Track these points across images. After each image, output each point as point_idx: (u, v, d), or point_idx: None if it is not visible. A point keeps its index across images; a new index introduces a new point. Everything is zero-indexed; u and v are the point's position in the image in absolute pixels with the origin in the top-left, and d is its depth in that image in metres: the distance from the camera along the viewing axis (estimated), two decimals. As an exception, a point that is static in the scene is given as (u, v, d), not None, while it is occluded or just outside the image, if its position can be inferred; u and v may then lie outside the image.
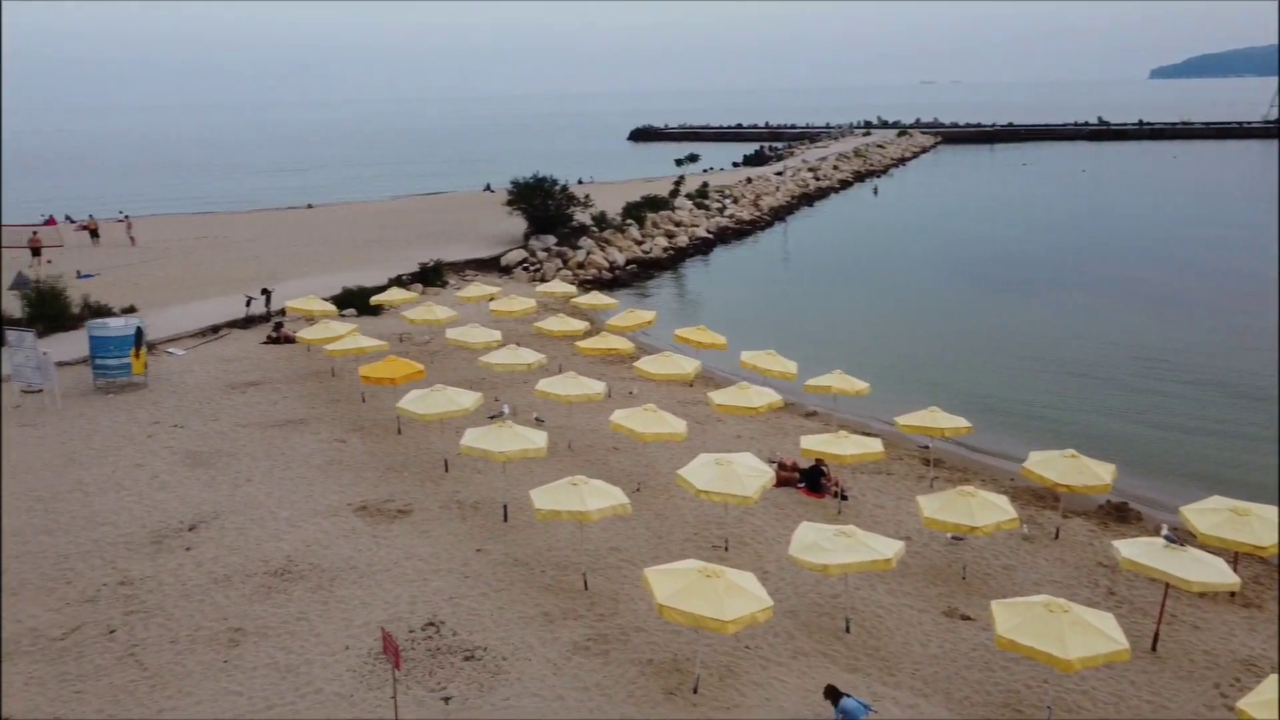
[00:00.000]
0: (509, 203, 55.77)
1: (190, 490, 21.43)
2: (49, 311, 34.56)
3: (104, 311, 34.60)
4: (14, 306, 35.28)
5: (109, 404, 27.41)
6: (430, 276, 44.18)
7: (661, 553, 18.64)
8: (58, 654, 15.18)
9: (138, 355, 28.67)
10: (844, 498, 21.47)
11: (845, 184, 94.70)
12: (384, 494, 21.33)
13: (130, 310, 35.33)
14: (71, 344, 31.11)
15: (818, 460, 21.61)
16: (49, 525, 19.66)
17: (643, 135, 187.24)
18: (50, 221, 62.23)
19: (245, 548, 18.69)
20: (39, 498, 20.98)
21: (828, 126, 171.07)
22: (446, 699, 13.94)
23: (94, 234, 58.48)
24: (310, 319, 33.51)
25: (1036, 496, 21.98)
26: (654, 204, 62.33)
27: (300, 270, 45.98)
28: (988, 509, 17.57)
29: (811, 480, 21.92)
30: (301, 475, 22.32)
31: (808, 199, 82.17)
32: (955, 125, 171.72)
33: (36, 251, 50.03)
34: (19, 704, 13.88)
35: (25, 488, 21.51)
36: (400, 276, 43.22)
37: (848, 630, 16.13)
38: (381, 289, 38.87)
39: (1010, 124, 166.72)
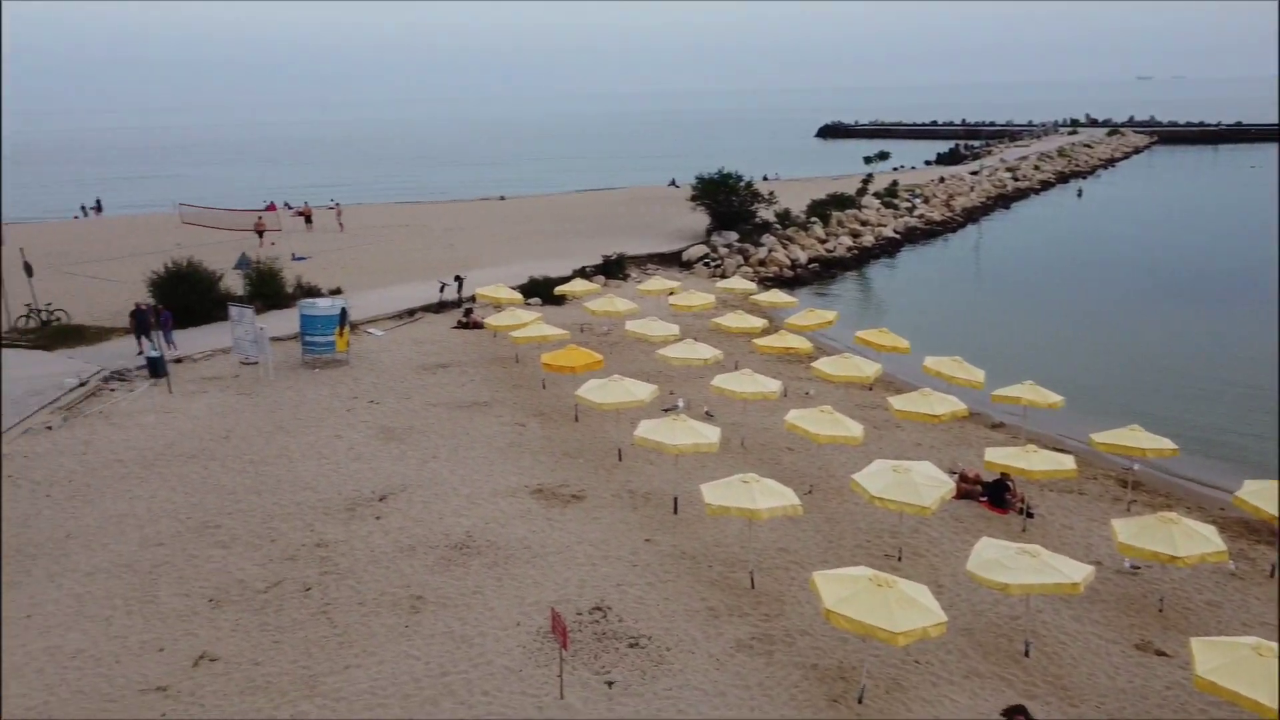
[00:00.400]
0: (693, 198, 56.09)
1: (382, 463, 22.72)
2: (266, 290, 37.48)
3: (314, 292, 37.31)
4: (237, 284, 38.47)
5: (314, 378, 29.45)
6: (612, 269, 45.03)
7: (831, 557, 18.28)
8: (260, 605, 16.45)
9: (342, 334, 30.66)
10: (1029, 515, 20.38)
11: (1046, 185, 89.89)
12: (559, 479, 21.92)
13: (337, 292, 37.87)
14: (285, 321, 33.58)
15: (1003, 474, 20.60)
16: (258, 486, 21.33)
17: (832, 132, 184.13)
18: (271, 207, 67.54)
19: (429, 521, 19.65)
20: (251, 460, 22.80)
21: (1030, 124, 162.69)
22: (610, 683, 14.20)
23: (308, 219, 63.00)
24: (498, 306, 34.84)
25: (1249, 529, 20.15)
26: (840, 202, 61.15)
27: (490, 259, 47.90)
28: (1192, 539, 16.22)
29: (995, 494, 20.93)
30: (483, 455, 23.25)
31: (1004, 200, 78.48)
32: (1174, 124, 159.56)
33: (260, 234, 54.61)
34: (226, 647, 15.14)
35: (239, 451, 23.43)
36: (584, 268, 44.32)
37: (1027, 654, 15.30)
38: (566, 280, 39.94)
39: (1239, 123, 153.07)
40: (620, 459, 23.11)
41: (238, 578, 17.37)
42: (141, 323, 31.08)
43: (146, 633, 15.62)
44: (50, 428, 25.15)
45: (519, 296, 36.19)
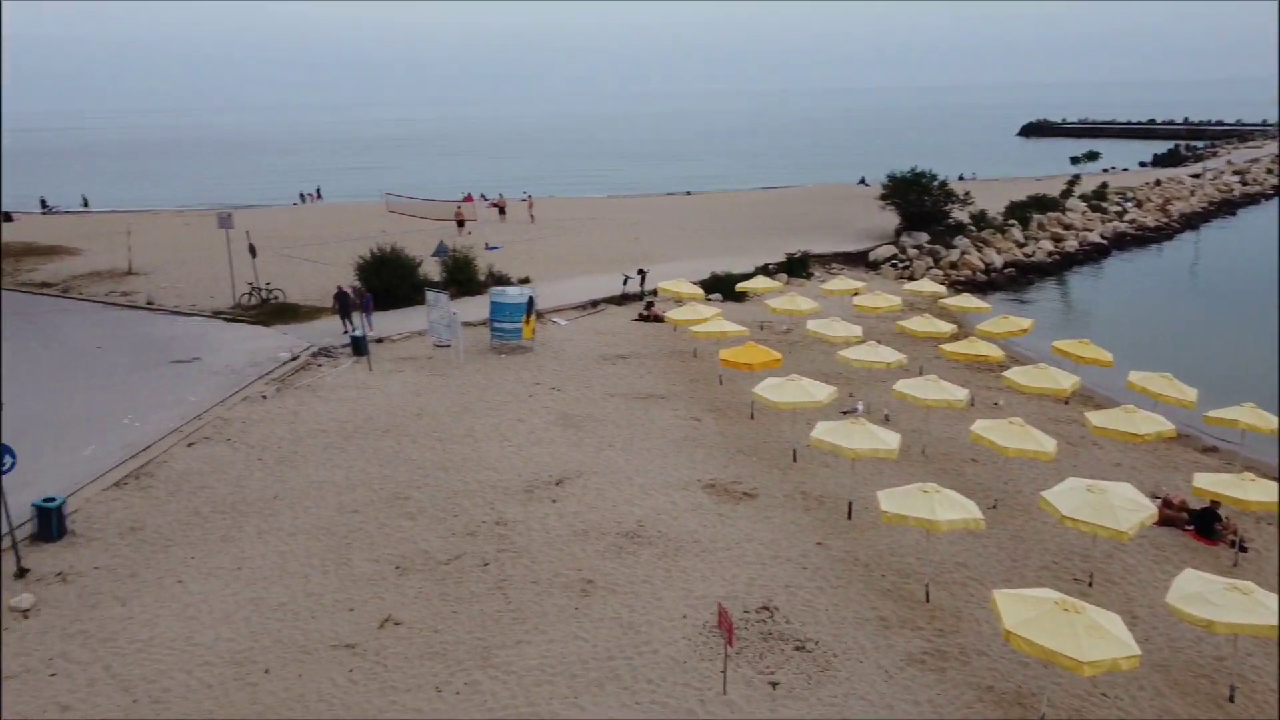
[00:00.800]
0: (882, 197, 54.60)
1: (560, 448, 23.36)
2: (461, 277, 39.29)
3: (504, 280, 38.80)
4: (434, 270, 40.48)
5: (501, 363, 30.62)
6: (796, 267, 44.48)
7: (1014, 576, 17.38)
8: (442, 576, 17.26)
9: (528, 322, 31.72)
10: (1243, 549, 18.67)
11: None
12: (732, 475, 21.86)
13: (525, 281, 39.23)
14: (476, 307, 35.05)
15: (1213, 502, 18.97)
16: (445, 463, 22.39)
17: (1035, 130, 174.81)
18: (468, 199, 70.65)
19: (602, 507, 20.05)
20: (439, 438, 23.95)
21: (1264, 124, 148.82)
22: (774, 684, 14.05)
23: (501, 210, 65.60)
24: (679, 300, 35.10)
25: None
26: (1042, 204, 57.97)
27: (673, 254, 48.33)
28: None
29: (1203, 523, 19.31)
30: (658, 447, 23.49)
31: (1229, 206, 72.16)
32: None
33: (460, 224, 57.42)
34: (409, 612, 15.99)
35: (429, 429, 24.66)
36: (767, 265, 43.99)
37: (1231, 699, 14.04)
38: (747, 277, 39.77)
39: None
40: (795, 459, 22.81)
41: (422, 548, 18.29)
42: (344, 304, 33.51)
43: (340, 593, 16.70)
44: (265, 397, 27.29)
45: (700, 292, 36.33)
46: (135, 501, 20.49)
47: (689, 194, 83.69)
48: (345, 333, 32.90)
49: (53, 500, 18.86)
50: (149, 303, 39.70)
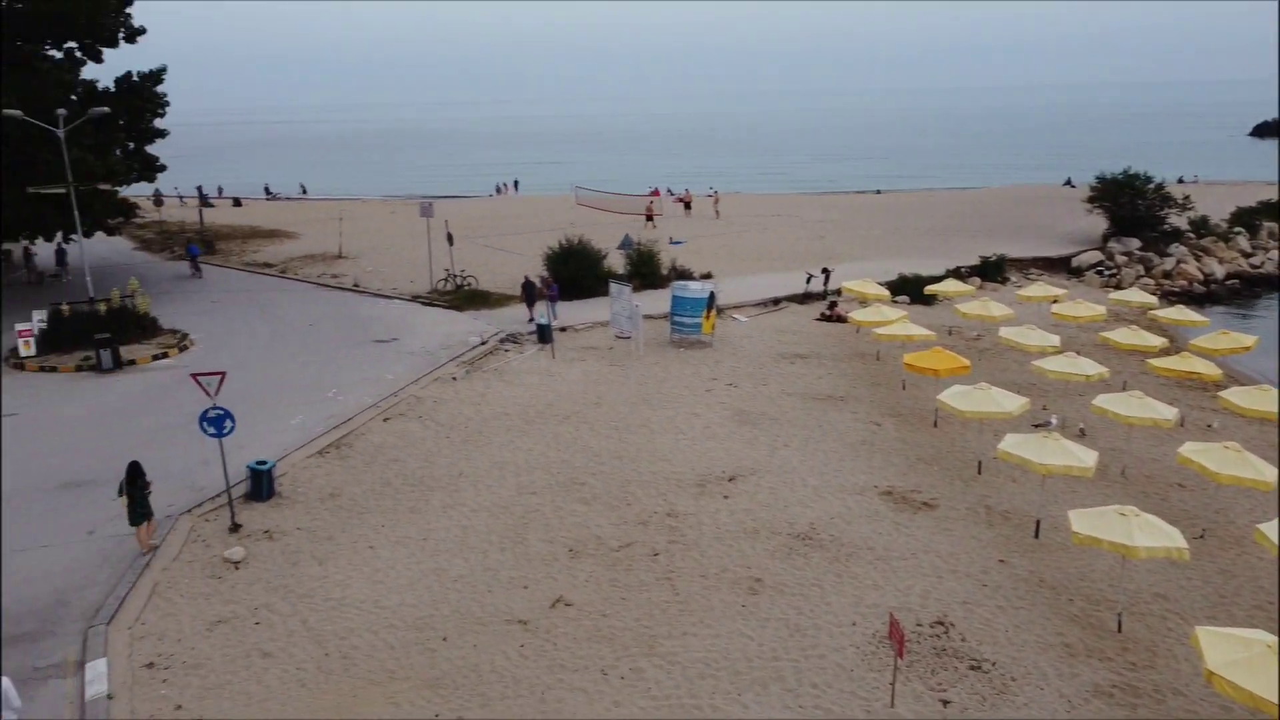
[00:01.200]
0: (1090, 199, 51.37)
1: (734, 445, 23.29)
2: (644, 270, 39.82)
3: (686, 275, 39.06)
4: (619, 262, 41.22)
5: (679, 356, 30.84)
6: (990, 271, 42.55)
7: (1220, 614, 15.99)
8: (613, 562, 17.58)
9: (708, 317, 31.79)
10: None
11: None
12: (911, 483, 21.16)
13: (707, 276, 39.33)
14: (657, 300, 35.43)
15: None
16: (620, 452, 22.78)
17: (1272, 130, 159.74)
18: (655, 193, 71.57)
19: (774, 506, 19.85)
20: (616, 427, 24.39)
21: None
22: (945, 702, 13.51)
23: (687, 206, 66.02)
24: (863, 301, 34.27)
25: None
26: (1274, 210, 52.95)
27: (860, 253, 47.24)
28: None
29: None
30: (834, 449, 23.03)
31: None
32: None
33: (650, 218, 58.39)
34: (580, 595, 16.38)
35: (607, 417, 25.15)
36: (959, 268, 42.31)
37: None
38: (937, 279, 38.35)
39: None
40: (979, 471, 21.82)
41: (595, 533, 18.69)
42: (529, 293, 34.70)
43: (515, 570, 17.30)
44: (455, 379, 28.61)
45: (886, 293, 35.33)
46: (335, 470, 21.95)
47: (879, 192, 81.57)
48: (529, 321, 34.07)
49: (264, 464, 20.48)
50: (355, 285, 42.41)
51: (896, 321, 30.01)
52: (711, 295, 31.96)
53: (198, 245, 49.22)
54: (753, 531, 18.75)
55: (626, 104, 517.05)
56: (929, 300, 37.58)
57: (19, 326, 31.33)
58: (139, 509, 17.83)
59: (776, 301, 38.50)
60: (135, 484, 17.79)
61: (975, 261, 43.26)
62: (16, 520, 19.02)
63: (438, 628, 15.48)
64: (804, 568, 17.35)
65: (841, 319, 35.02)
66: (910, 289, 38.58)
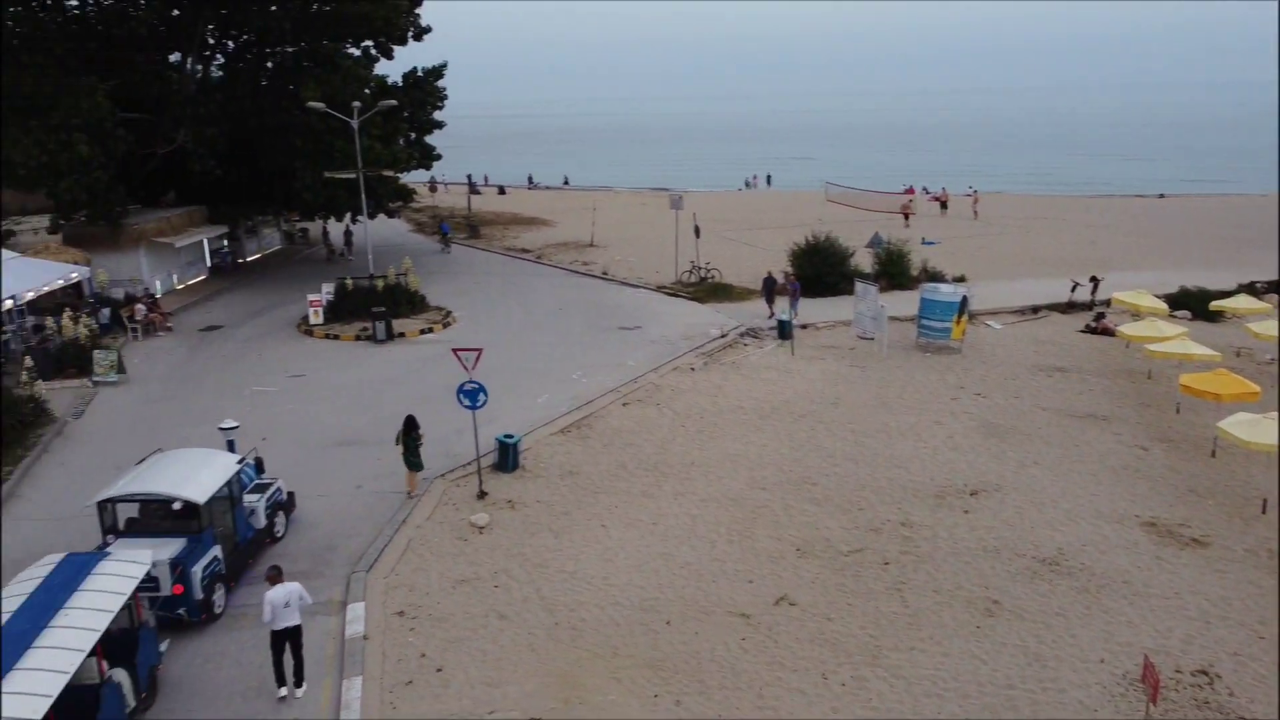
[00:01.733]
0: None
1: (978, 458, 22.11)
2: (892, 270, 38.61)
3: (937, 277, 37.49)
4: (866, 261, 40.20)
5: (924, 361, 29.65)
6: (1292, 288, 37.90)
7: None
8: (841, 566, 17.18)
9: (959, 322, 30.34)
10: None
11: None
12: (1179, 516, 19.23)
13: (960, 279, 37.52)
14: (904, 302, 34.22)
15: None
16: (855, 455, 22.22)
17: None
18: (910, 191, 69.20)
19: (1019, 526, 18.67)
20: (853, 430, 23.81)
21: None
22: (1205, 762, 12.19)
23: (943, 205, 63.37)
24: (1136, 314, 31.55)
25: None
26: None
27: (1135, 262, 43.54)
28: None
29: None
30: (1091, 472, 21.33)
31: None
32: None
33: (906, 217, 56.68)
34: (804, 596, 16.14)
35: (844, 419, 24.60)
36: (1253, 284, 37.97)
37: None
38: (1227, 294, 34.59)
39: None
40: (1264, 510, 19.48)
41: (824, 535, 18.34)
42: (769, 289, 34.56)
43: (741, 564, 17.30)
44: (693, 369, 28.99)
45: (1163, 306, 32.26)
46: (575, 449, 22.85)
47: (1162, 196, 74.70)
48: (769, 316, 33.94)
49: (511, 437, 21.65)
50: (604, 273, 43.94)
51: (1174, 338, 27.34)
52: (964, 299, 30.46)
53: (449, 224, 54.48)
54: (993, 550, 17.72)
55: (872, 99, 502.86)
56: (1213, 317, 33.97)
57: (311, 297, 34.89)
58: (412, 457, 19.92)
59: (1036, 309, 36.14)
60: (410, 434, 19.91)
61: (1275, 277, 38.65)
62: (302, 472, 21.19)
63: (662, 611, 15.76)
64: (1048, 594, 16.20)
65: (1109, 332, 32.35)
66: (1192, 303, 35.08)
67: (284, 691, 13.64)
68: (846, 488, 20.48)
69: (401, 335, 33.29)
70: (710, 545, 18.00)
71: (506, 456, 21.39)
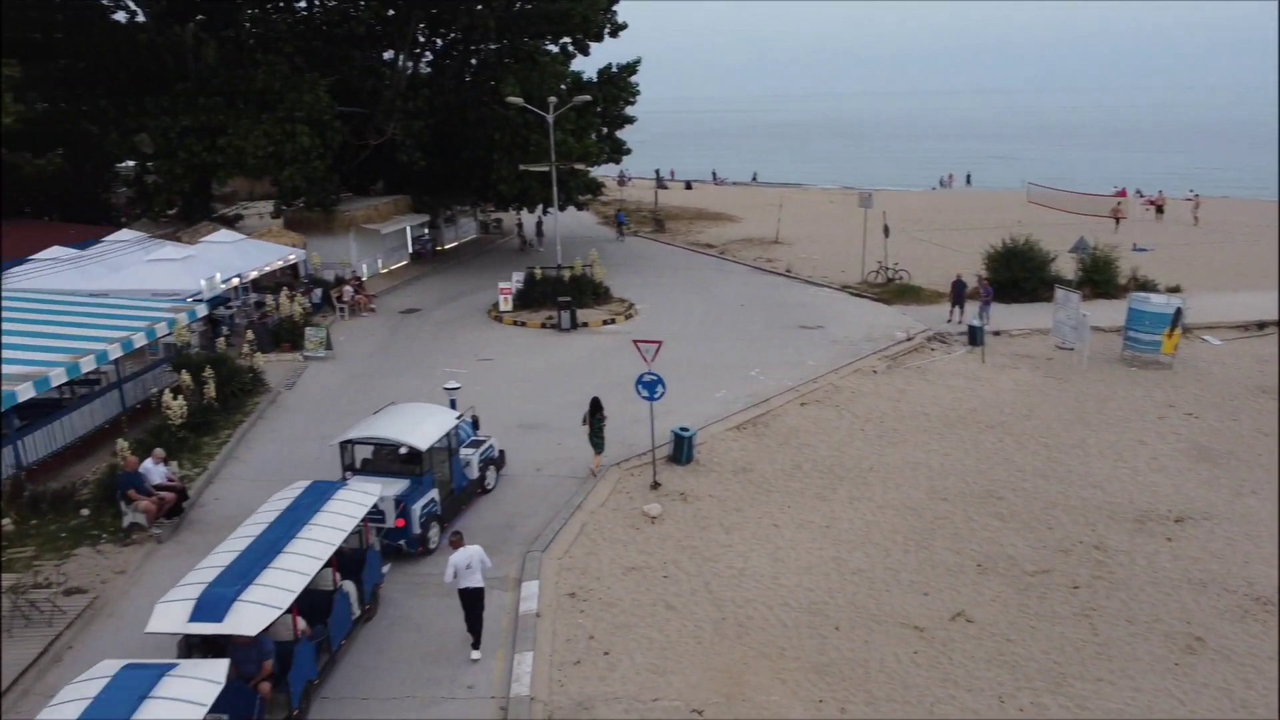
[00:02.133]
0: None
1: (1186, 482, 20.45)
2: (1098, 278, 36.27)
3: (1148, 286, 34.85)
4: (1068, 267, 37.91)
5: (1129, 376, 27.69)
6: None
7: None
8: (1025, 586, 16.31)
9: (1171, 335, 28.15)
10: None
11: None
12: None
13: (1174, 290, 34.78)
14: (1110, 312, 32.07)
15: None
16: (1047, 471, 21.02)
17: None
18: (1122, 193, 64.72)
19: (1230, 559, 17.14)
20: (1045, 444, 22.53)
21: None
22: None
23: (1159, 210, 58.93)
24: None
25: None
26: None
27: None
28: None
29: None
30: (1319, 506, 19.32)
31: None
32: None
33: (1117, 221, 53.22)
34: (983, 613, 15.42)
35: (1036, 432, 23.31)
36: None
37: None
38: None
39: None
40: None
41: (1008, 552, 17.46)
42: (958, 293, 33.16)
43: (917, 575, 16.73)
44: (876, 372, 28.24)
45: None
46: (750, 445, 22.73)
47: None
48: (952, 321, 32.74)
49: (686, 430, 21.77)
50: (787, 270, 43.48)
51: None
52: (1178, 311, 28.20)
53: (624, 214, 56.97)
54: (1199, 583, 16.36)
55: (1073, 96, 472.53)
56: None
57: (502, 284, 36.31)
58: (596, 437, 20.72)
59: (1262, 325, 33.04)
60: (595, 415, 20.70)
61: None
62: (484, 449, 22.13)
63: (831, 616, 15.45)
64: (1261, 636, 14.80)
65: (1348, 353, 29.18)
66: None
67: (477, 654, 14.34)
68: (1035, 505, 19.42)
69: (585, 325, 34.10)
70: (885, 553, 17.50)
71: (681, 449, 21.53)
